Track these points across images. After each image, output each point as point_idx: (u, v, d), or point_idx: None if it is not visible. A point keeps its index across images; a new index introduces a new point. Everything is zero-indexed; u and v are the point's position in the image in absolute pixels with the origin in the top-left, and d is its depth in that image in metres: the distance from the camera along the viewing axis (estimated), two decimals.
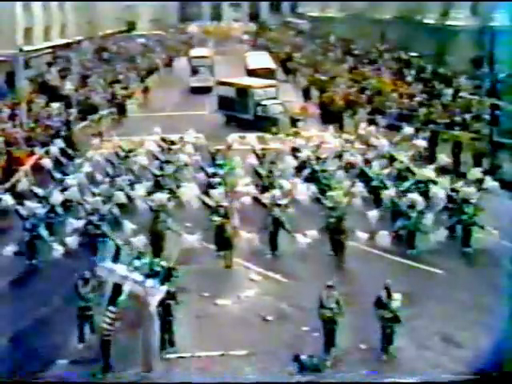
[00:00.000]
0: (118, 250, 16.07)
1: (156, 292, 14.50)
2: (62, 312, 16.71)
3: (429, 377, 14.19)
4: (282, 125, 33.89)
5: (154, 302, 14.43)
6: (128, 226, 21.04)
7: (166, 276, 15.36)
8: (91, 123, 34.80)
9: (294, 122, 34.76)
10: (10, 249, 20.08)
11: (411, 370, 14.36)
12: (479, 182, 22.51)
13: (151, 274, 15.06)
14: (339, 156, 26.50)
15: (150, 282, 14.49)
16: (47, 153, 27.42)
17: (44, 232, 20.47)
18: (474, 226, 20.53)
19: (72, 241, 20.37)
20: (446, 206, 21.71)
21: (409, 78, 42.36)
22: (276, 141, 29.37)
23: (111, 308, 14.45)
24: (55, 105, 36.42)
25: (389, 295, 15.16)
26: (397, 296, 15.12)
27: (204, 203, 21.70)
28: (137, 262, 15.30)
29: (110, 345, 14.53)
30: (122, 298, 14.42)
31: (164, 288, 14.75)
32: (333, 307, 15.10)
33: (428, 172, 23.56)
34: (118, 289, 14.58)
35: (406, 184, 22.90)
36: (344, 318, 15.22)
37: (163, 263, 15.74)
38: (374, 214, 21.56)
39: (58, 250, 20.05)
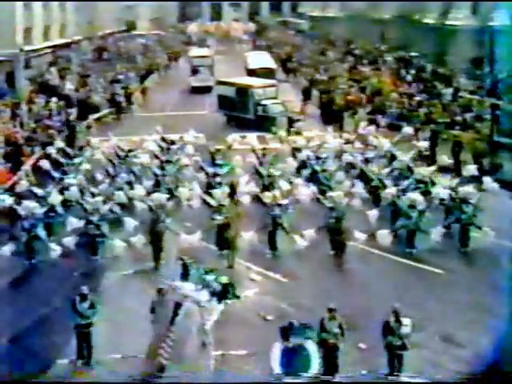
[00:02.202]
0: (185, 266, 14.87)
1: (212, 311, 13.79)
2: (61, 312, 16.67)
3: (429, 377, 14.18)
4: (279, 124, 33.96)
5: (210, 321, 13.70)
6: (130, 223, 21.05)
7: (223, 293, 14.38)
8: (79, 132, 34.18)
9: (291, 122, 34.72)
10: (7, 248, 20.08)
11: (411, 369, 14.34)
12: (477, 181, 22.51)
13: (213, 291, 14.27)
14: (339, 156, 26.50)
15: (207, 301, 13.75)
16: (46, 154, 27.36)
17: (42, 232, 20.44)
18: (472, 226, 20.54)
19: (69, 241, 20.37)
20: (442, 203, 21.71)
21: (409, 78, 42.37)
22: (276, 141, 29.36)
23: (173, 329, 13.67)
24: (54, 99, 36.42)
25: (397, 320, 14.14)
26: (406, 321, 14.14)
27: (206, 203, 21.71)
28: (206, 278, 14.40)
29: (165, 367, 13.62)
30: (179, 317, 13.69)
31: (221, 306, 13.99)
32: (336, 332, 14.19)
33: (425, 171, 23.56)
34: (177, 308, 13.87)
35: (405, 183, 22.92)
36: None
37: (222, 280, 14.65)
38: (374, 213, 21.57)
39: (55, 251, 20.04)
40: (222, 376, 14.13)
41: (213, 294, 13.99)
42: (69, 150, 28.21)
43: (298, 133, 30.51)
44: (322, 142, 27.47)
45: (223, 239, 20.40)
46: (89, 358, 15.08)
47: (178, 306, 13.78)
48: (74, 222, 20.85)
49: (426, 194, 22.15)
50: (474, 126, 30.53)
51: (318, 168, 25.04)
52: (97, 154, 27.13)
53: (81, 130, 33.67)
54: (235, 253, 20.00)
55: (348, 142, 27.99)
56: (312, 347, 13.63)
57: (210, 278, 14.27)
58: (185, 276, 14.59)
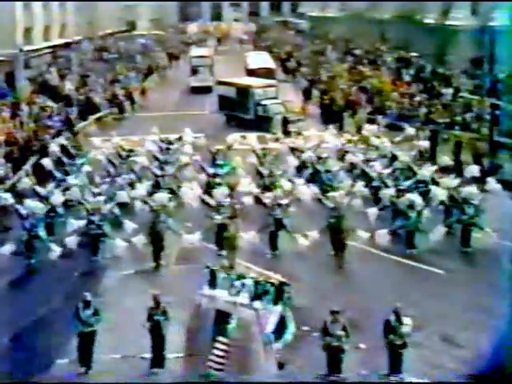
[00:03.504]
0: (212, 273, 14.00)
1: (270, 314, 13.23)
2: (61, 312, 16.68)
3: (429, 377, 14.18)
4: (275, 124, 34.04)
5: (269, 325, 13.15)
6: (129, 225, 21.07)
7: (278, 294, 13.68)
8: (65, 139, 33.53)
9: (286, 122, 34.64)
10: (7, 248, 20.08)
11: (411, 370, 14.34)
12: (481, 182, 22.51)
13: (258, 294, 13.60)
14: (341, 156, 26.49)
15: (260, 305, 13.21)
16: (47, 154, 27.35)
17: (42, 232, 20.42)
18: (474, 226, 20.55)
19: (71, 241, 20.37)
20: (442, 203, 21.71)
21: (408, 78, 42.36)
22: (275, 140, 29.36)
23: (221, 339, 13.07)
24: (48, 102, 36.47)
25: (398, 319, 14.21)
26: (407, 321, 14.18)
27: (205, 203, 21.73)
28: (238, 284, 13.71)
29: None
30: (232, 326, 13.08)
31: (279, 308, 13.41)
32: (339, 335, 14.06)
33: (427, 171, 23.59)
34: (221, 317, 13.28)
35: (406, 183, 22.91)
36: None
37: (272, 280, 13.95)
38: (373, 211, 21.58)
39: (55, 251, 20.04)
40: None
41: (255, 297, 13.41)
42: (71, 150, 28.21)
43: (299, 133, 30.45)
44: (320, 142, 27.47)
45: (222, 239, 20.43)
46: (89, 365, 14.85)
47: (225, 315, 13.24)
48: (74, 224, 20.84)
49: (425, 194, 22.15)
50: (473, 125, 30.51)
51: (320, 168, 25.01)
52: (98, 155, 27.08)
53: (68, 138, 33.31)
54: (235, 253, 19.96)
55: (350, 142, 27.94)
56: (288, 313, 13.62)
57: (247, 281, 13.68)
58: (212, 283, 13.99)
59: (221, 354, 13.05)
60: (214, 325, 13.32)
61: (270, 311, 13.29)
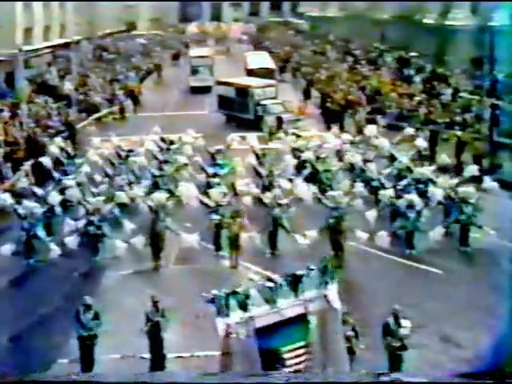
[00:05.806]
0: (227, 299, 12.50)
1: (332, 292, 12.55)
2: (61, 311, 16.68)
3: (429, 377, 14.15)
4: (266, 123, 34.08)
5: (336, 302, 12.45)
6: (128, 225, 21.06)
7: (325, 273, 12.89)
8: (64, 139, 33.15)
9: (281, 121, 34.60)
10: (7, 248, 20.08)
11: (411, 369, 14.33)
12: (478, 181, 22.51)
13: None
14: (340, 156, 26.48)
15: (325, 289, 12.46)
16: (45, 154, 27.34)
17: (41, 232, 20.44)
18: (472, 225, 20.55)
19: (72, 241, 20.36)
20: (441, 203, 21.71)
21: (418, 79, 42.30)
22: (275, 140, 29.35)
23: (296, 344, 12.00)
24: (49, 100, 36.50)
25: (397, 321, 14.20)
26: (406, 323, 14.14)
27: (203, 203, 21.72)
28: (255, 294, 12.71)
29: None
30: (313, 324, 12.08)
31: (335, 285, 12.60)
32: (349, 335, 13.84)
33: (424, 170, 23.59)
34: (270, 326, 12.02)
35: (403, 182, 22.91)
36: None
37: (325, 264, 13.11)
38: (372, 214, 21.57)
39: (54, 250, 20.05)
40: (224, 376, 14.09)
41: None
42: (69, 150, 28.19)
43: (298, 135, 30.41)
44: (323, 142, 27.43)
45: (220, 239, 20.49)
46: (91, 367, 14.78)
47: (298, 317, 12.22)
48: (71, 224, 20.84)
49: (424, 194, 22.14)
50: (473, 125, 30.52)
51: (320, 168, 24.99)
52: (97, 155, 27.03)
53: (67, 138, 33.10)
54: (239, 253, 19.98)
55: (353, 143, 27.91)
56: None
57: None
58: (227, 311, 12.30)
59: (303, 358, 12.04)
60: (269, 338, 12.02)
61: (331, 290, 12.58)
